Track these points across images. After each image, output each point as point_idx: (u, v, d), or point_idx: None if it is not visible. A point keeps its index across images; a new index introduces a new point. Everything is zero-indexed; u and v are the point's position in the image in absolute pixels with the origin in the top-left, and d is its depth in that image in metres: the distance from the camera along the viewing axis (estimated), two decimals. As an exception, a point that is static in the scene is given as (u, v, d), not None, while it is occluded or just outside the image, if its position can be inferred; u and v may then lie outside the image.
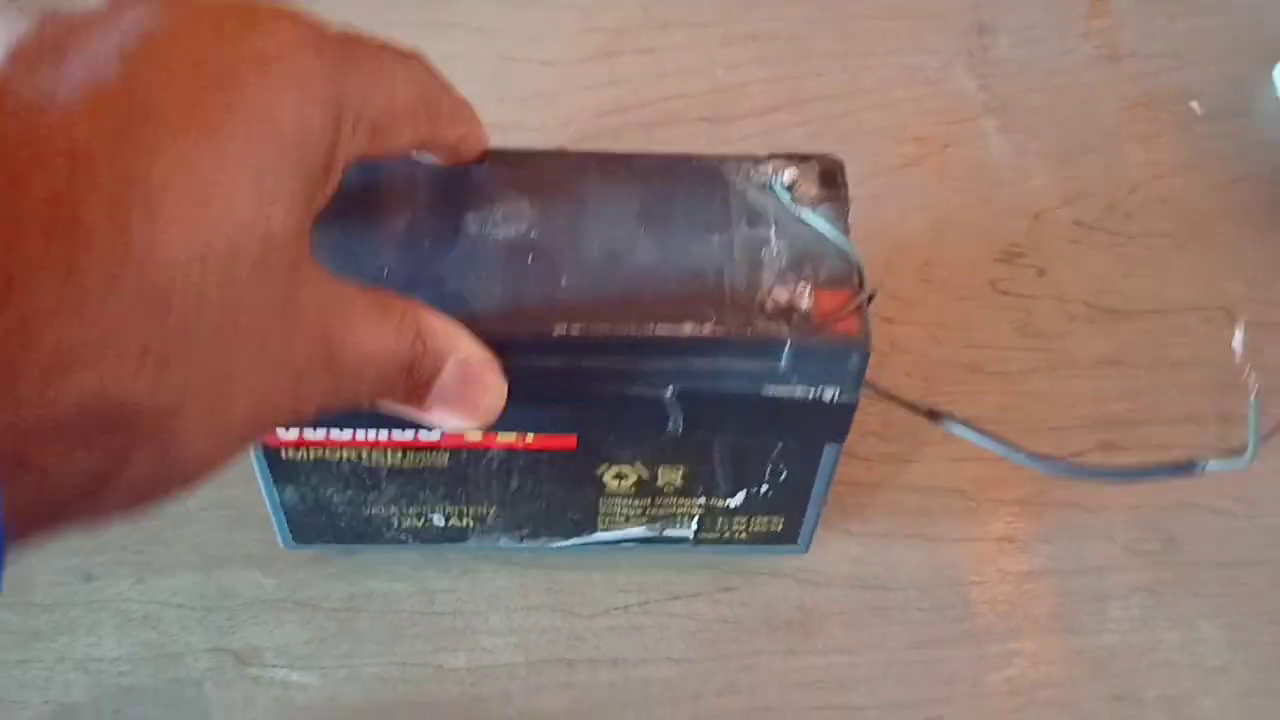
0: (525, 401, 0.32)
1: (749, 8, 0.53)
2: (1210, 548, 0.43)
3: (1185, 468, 0.35)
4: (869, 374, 0.35)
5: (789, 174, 0.35)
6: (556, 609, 0.41)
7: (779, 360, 0.33)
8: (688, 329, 0.32)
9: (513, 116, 0.49)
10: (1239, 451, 0.35)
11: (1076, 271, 0.48)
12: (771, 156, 0.36)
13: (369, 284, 0.29)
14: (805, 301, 0.33)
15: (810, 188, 0.36)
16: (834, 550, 0.42)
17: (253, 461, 0.36)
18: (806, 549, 0.41)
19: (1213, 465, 0.35)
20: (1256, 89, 0.52)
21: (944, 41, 0.53)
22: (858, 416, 0.41)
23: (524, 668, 0.40)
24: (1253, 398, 0.33)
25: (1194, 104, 0.52)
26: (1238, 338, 0.34)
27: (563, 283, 0.33)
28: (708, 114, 0.50)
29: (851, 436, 0.44)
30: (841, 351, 0.33)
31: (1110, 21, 0.54)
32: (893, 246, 0.48)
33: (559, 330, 0.32)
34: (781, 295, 0.33)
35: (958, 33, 0.53)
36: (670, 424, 0.35)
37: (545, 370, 0.33)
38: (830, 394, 0.34)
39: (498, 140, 0.34)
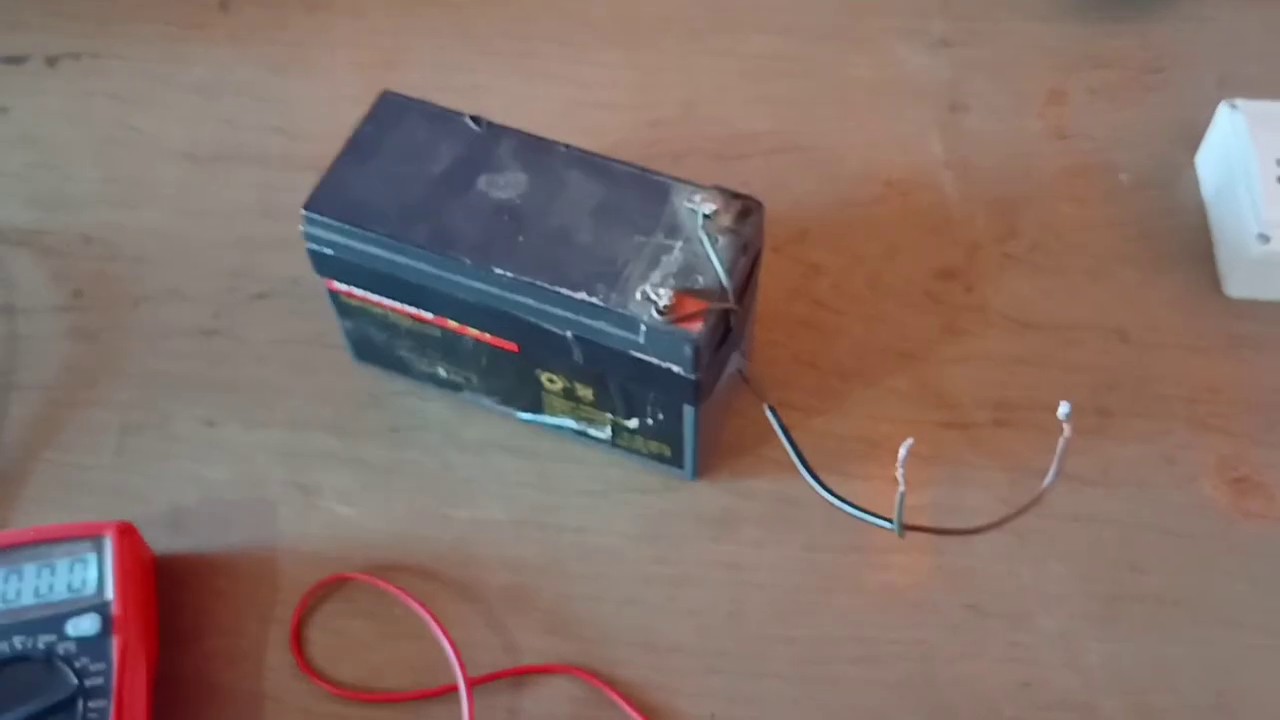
0: (479, 312, 0.48)
1: (766, 79, 0.67)
2: (1071, 506, 0.53)
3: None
4: (748, 368, 0.48)
5: (710, 205, 0.48)
6: (541, 487, 0.54)
7: (638, 334, 0.46)
8: (581, 295, 0.46)
9: (574, 143, 0.64)
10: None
11: (1000, 291, 0.59)
12: (710, 186, 0.49)
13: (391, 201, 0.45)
14: (665, 299, 0.46)
15: (725, 219, 0.48)
16: (762, 473, 0.54)
17: (326, 297, 0.51)
18: (693, 477, 0.53)
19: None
20: (1179, 169, 0.63)
21: (922, 114, 0.65)
22: (796, 377, 0.53)
23: (509, 524, 0.53)
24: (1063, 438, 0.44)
25: (1123, 176, 0.63)
26: (1063, 410, 0.45)
27: (519, 239, 0.48)
28: (722, 151, 0.64)
29: (790, 394, 0.56)
30: (679, 340, 0.46)
31: (1063, 109, 0.65)
32: (853, 260, 0.60)
33: (498, 269, 0.47)
34: (654, 291, 0.46)
35: (934, 108, 0.65)
36: (575, 355, 0.48)
37: (491, 294, 0.47)
38: (677, 369, 0.47)
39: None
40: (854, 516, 0.47)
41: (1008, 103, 0.66)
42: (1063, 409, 0.43)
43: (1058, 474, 0.44)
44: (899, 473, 0.42)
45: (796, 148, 0.64)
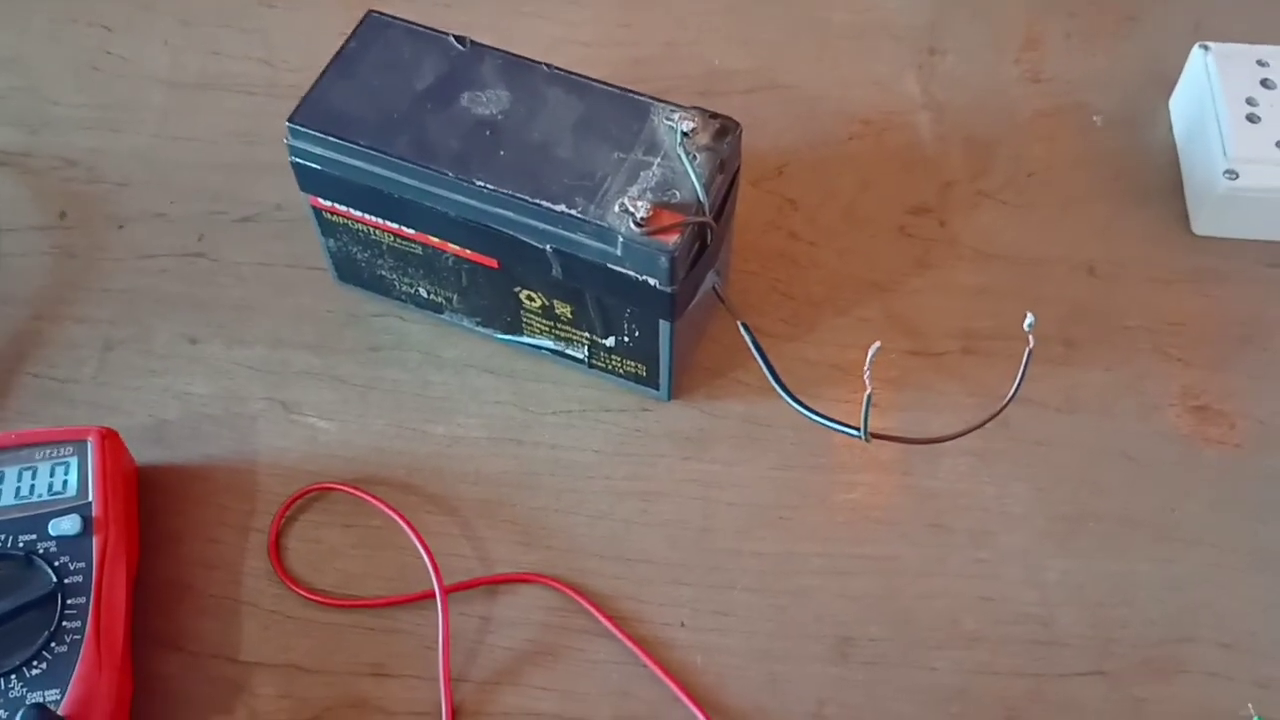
0: (459, 227, 0.48)
1: (747, 19, 0.68)
2: (1035, 431, 0.54)
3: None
4: (724, 288, 0.49)
5: (689, 124, 0.49)
6: (518, 405, 0.55)
7: (616, 247, 0.47)
8: (560, 207, 0.47)
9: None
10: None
11: (971, 226, 0.60)
12: (689, 107, 0.50)
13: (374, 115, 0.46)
14: (643, 211, 0.46)
15: (703, 138, 0.49)
16: (735, 395, 0.55)
17: (310, 216, 0.52)
18: (668, 397, 0.54)
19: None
20: (1153, 112, 0.64)
21: (899, 56, 0.66)
22: (770, 305, 0.54)
23: (486, 441, 0.54)
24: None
25: (1096, 118, 0.64)
26: (1028, 320, 0.46)
27: (500, 153, 0.48)
28: (703, 89, 0.65)
29: (764, 320, 0.57)
30: (655, 251, 0.46)
31: (1038, 54, 0.66)
32: (827, 194, 0.61)
33: (478, 181, 0.47)
34: (632, 204, 0.47)
35: (912, 51, 0.66)
36: (553, 270, 0.49)
37: (471, 207, 0.48)
38: (653, 281, 0.47)
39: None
40: (821, 425, 0.49)
41: (985, 46, 0.67)
42: (1028, 320, 0.44)
43: (1021, 383, 0.45)
44: (866, 374, 0.43)
45: (776, 86, 0.65)
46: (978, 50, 0.67)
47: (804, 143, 0.63)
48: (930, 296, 0.58)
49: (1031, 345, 0.44)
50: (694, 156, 0.48)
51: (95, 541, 0.47)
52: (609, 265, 0.48)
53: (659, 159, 0.49)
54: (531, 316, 0.53)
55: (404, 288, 0.55)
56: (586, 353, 0.54)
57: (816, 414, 0.49)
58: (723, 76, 0.66)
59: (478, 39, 0.52)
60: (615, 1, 0.68)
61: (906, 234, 0.60)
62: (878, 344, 0.43)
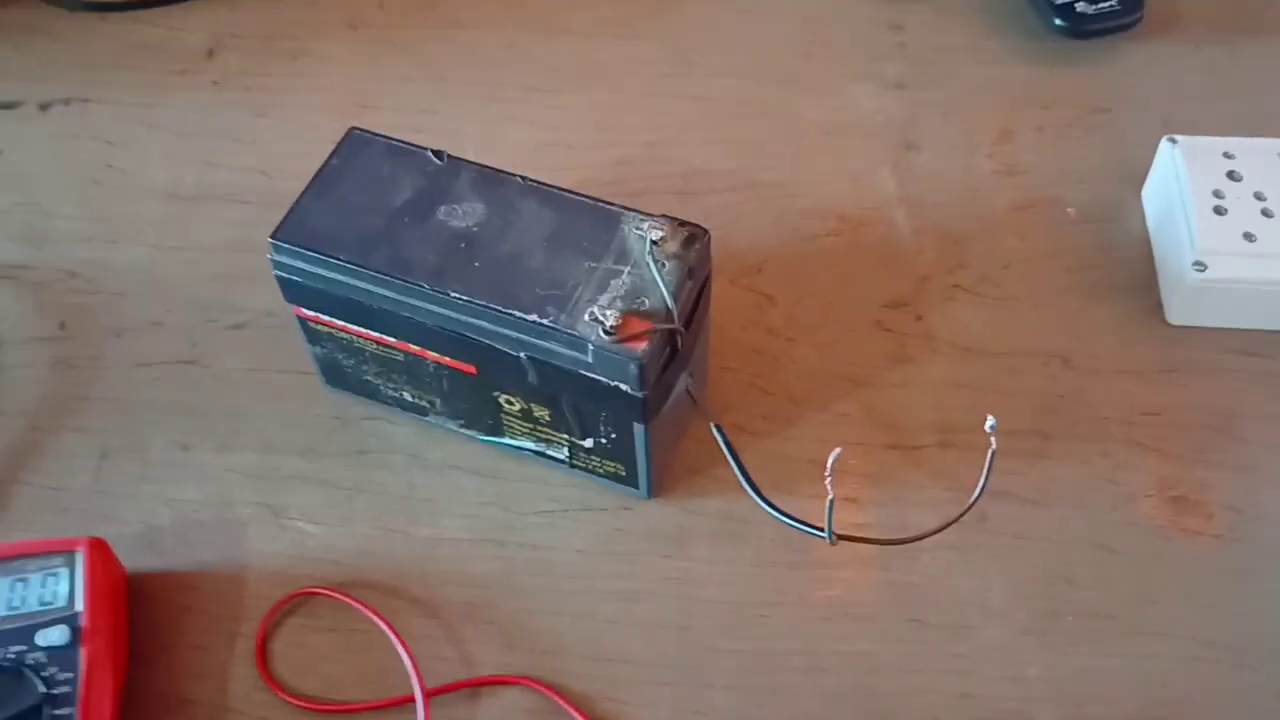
0: (437, 336, 0.50)
1: (726, 120, 0.70)
2: (1012, 524, 0.55)
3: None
4: (694, 386, 0.50)
5: (657, 232, 0.51)
6: (501, 506, 0.56)
7: (587, 354, 0.48)
8: (533, 316, 0.49)
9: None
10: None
11: (947, 320, 0.61)
12: (658, 215, 0.52)
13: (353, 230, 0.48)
14: (612, 320, 0.48)
15: (672, 245, 0.51)
16: (713, 493, 0.56)
17: (296, 325, 0.54)
18: (649, 495, 0.55)
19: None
20: (1125, 205, 0.65)
21: (876, 153, 0.68)
22: (749, 401, 0.55)
23: (469, 543, 0.55)
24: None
25: (1070, 210, 0.65)
26: (989, 423, 0.47)
27: (475, 265, 0.50)
28: (682, 188, 0.67)
29: (742, 417, 0.58)
30: (625, 358, 0.48)
31: (1011, 147, 0.68)
32: (805, 290, 0.62)
33: (454, 292, 0.49)
34: (602, 312, 0.49)
35: (888, 147, 0.68)
36: (529, 376, 0.50)
37: (448, 317, 0.50)
38: (625, 387, 0.49)
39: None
40: (789, 526, 0.49)
41: (959, 142, 0.68)
42: (989, 422, 0.45)
43: (985, 485, 0.46)
44: (827, 481, 0.44)
45: (754, 185, 0.67)
46: (951, 145, 0.68)
47: (782, 240, 0.65)
48: (907, 391, 0.59)
49: (994, 447, 0.45)
50: (662, 264, 0.50)
51: (83, 652, 0.48)
52: (581, 371, 0.49)
53: (629, 267, 0.50)
54: (512, 419, 0.54)
55: (389, 392, 0.57)
56: (567, 453, 0.55)
57: (784, 514, 0.49)
58: (702, 176, 0.67)
59: (464, 143, 0.54)
60: (596, 106, 0.70)
61: (883, 328, 0.61)
62: (838, 450, 0.44)
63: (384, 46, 0.73)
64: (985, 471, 0.46)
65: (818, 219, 0.66)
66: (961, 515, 0.46)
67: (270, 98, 0.71)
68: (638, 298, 0.49)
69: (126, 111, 0.71)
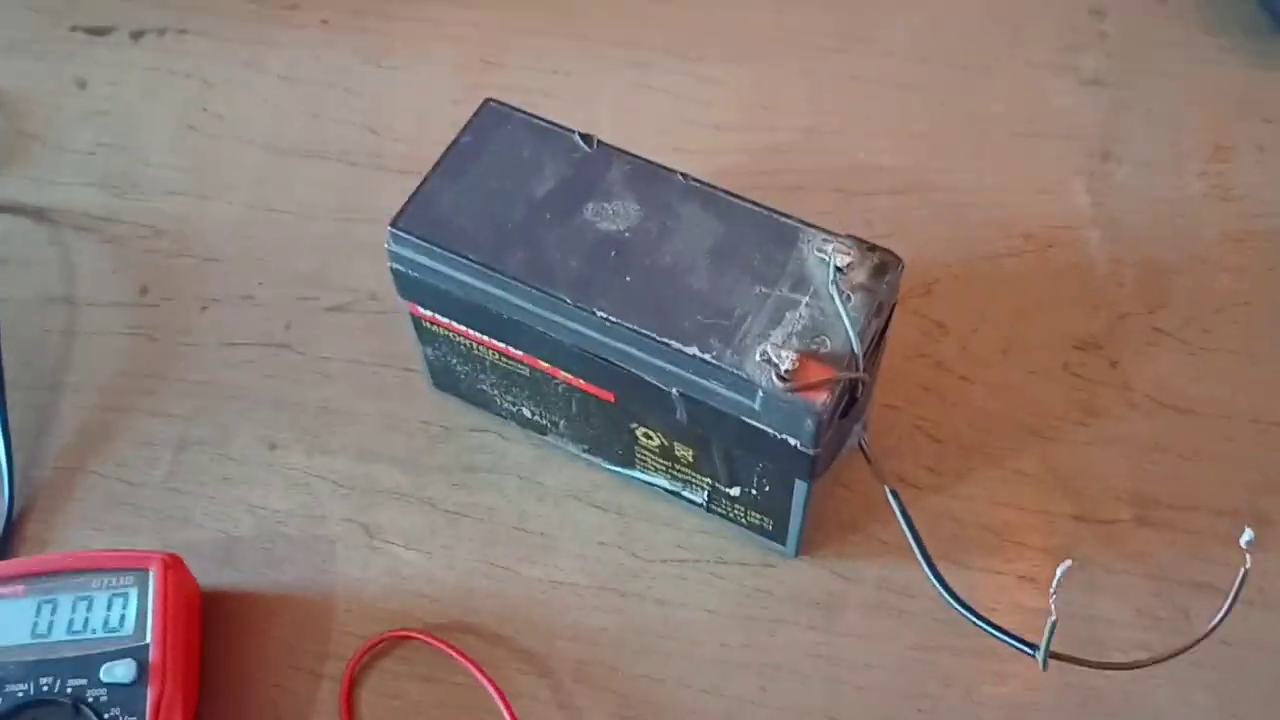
0: (574, 356, 0.43)
1: (896, 108, 0.61)
2: (1221, 627, 0.47)
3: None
4: (866, 439, 0.43)
5: (844, 257, 0.42)
6: (624, 549, 0.49)
7: (754, 401, 0.41)
8: (693, 349, 0.41)
9: (684, 165, 0.59)
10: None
11: (1146, 369, 0.53)
12: (844, 236, 0.44)
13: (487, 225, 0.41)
14: (788, 363, 0.40)
15: (859, 275, 0.42)
16: (870, 554, 0.48)
17: (407, 320, 0.47)
18: (795, 554, 0.48)
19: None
20: (1360, 244, 0.56)
21: (1067, 161, 0.59)
22: (913, 448, 0.47)
23: (587, 589, 0.48)
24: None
25: (1294, 247, 0.56)
26: (1246, 536, 0.39)
27: (626, 279, 0.42)
28: (843, 185, 0.58)
29: (906, 466, 0.51)
30: (801, 412, 0.40)
31: (1228, 166, 0.59)
32: (981, 319, 0.54)
33: (599, 311, 0.41)
34: (776, 353, 0.41)
35: (1081, 155, 0.59)
36: (678, 414, 0.43)
37: (589, 337, 0.42)
38: (794, 442, 0.41)
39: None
40: (994, 637, 0.41)
41: (1165, 155, 0.59)
42: (1245, 536, 0.37)
43: (1229, 611, 0.38)
44: (1052, 599, 0.36)
45: (925, 188, 0.58)
46: (1156, 158, 0.59)
47: (956, 256, 0.56)
48: (1098, 450, 0.51)
49: (1248, 565, 0.37)
50: (848, 297, 0.42)
51: (150, 692, 0.42)
52: (744, 419, 0.42)
53: (807, 297, 0.42)
54: (647, 454, 0.47)
55: (506, 405, 0.50)
56: (706, 497, 0.48)
57: (986, 622, 0.42)
58: (866, 172, 0.59)
59: (596, 111, 0.46)
60: (749, 80, 0.62)
61: (1071, 373, 0.53)
62: (1069, 563, 0.36)
63: (514, -7, 0.65)
64: (1232, 595, 0.38)
65: (998, 234, 0.57)
66: (1197, 643, 0.39)
67: (385, 43, 0.63)
68: (817, 335, 0.41)
69: (226, 48, 0.63)
